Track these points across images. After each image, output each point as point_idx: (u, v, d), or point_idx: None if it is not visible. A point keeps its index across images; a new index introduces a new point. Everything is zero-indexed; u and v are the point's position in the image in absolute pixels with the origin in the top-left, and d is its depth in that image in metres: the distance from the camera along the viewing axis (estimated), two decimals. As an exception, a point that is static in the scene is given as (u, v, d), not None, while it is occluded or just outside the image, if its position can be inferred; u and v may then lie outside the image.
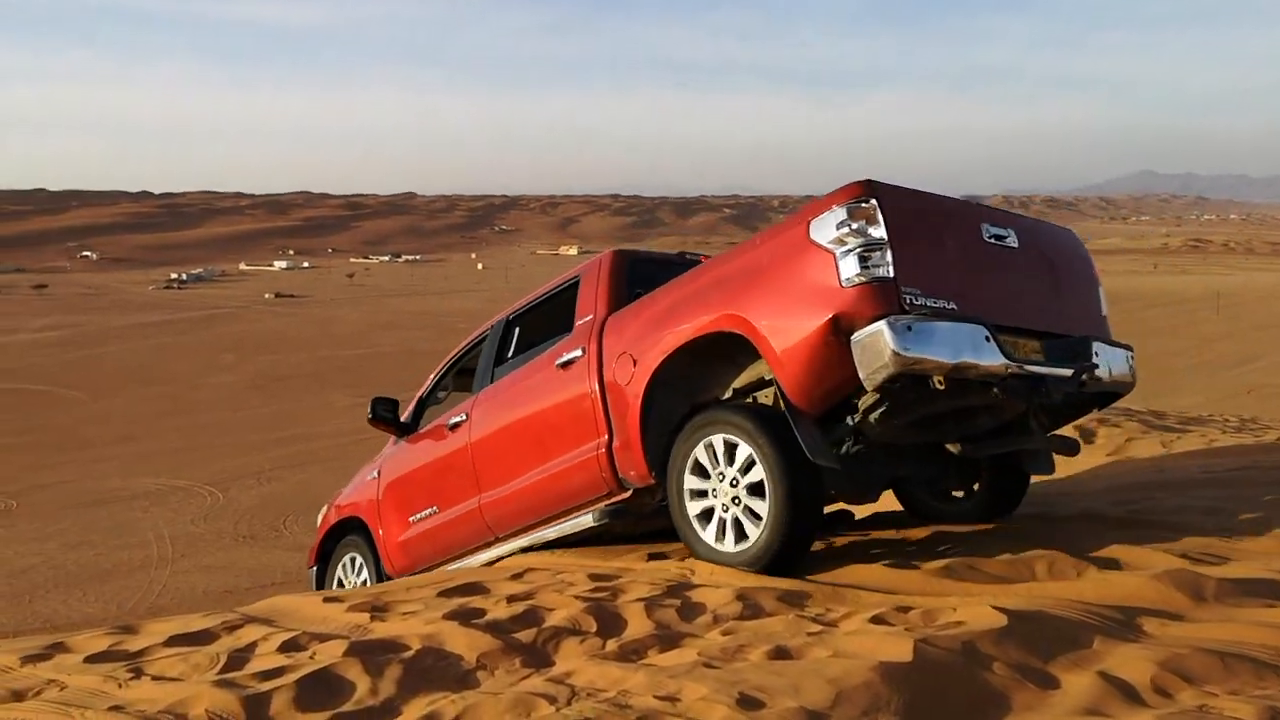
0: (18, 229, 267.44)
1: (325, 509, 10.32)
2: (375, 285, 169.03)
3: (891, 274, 5.28)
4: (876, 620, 5.17)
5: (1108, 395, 6.36)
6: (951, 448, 6.49)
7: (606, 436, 6.56)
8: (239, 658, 5.54)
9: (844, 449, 5.82)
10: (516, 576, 7.11)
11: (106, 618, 30.92)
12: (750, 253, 5.91)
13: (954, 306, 5.45)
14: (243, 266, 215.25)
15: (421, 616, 6.08)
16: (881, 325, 5.14)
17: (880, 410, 5.57)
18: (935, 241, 5.65)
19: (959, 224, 5.84)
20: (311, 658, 5.33)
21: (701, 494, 6.02)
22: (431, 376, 9.19)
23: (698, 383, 6.30)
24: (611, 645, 5.24)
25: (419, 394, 9.16)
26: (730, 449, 5.77)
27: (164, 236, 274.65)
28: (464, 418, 7.96)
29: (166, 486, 45.76)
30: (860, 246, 5.30)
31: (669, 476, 6.15)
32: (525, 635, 5.45)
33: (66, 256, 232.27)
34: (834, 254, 5.36)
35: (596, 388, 6.59)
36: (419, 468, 8.55)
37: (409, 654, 5.22)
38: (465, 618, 5.87)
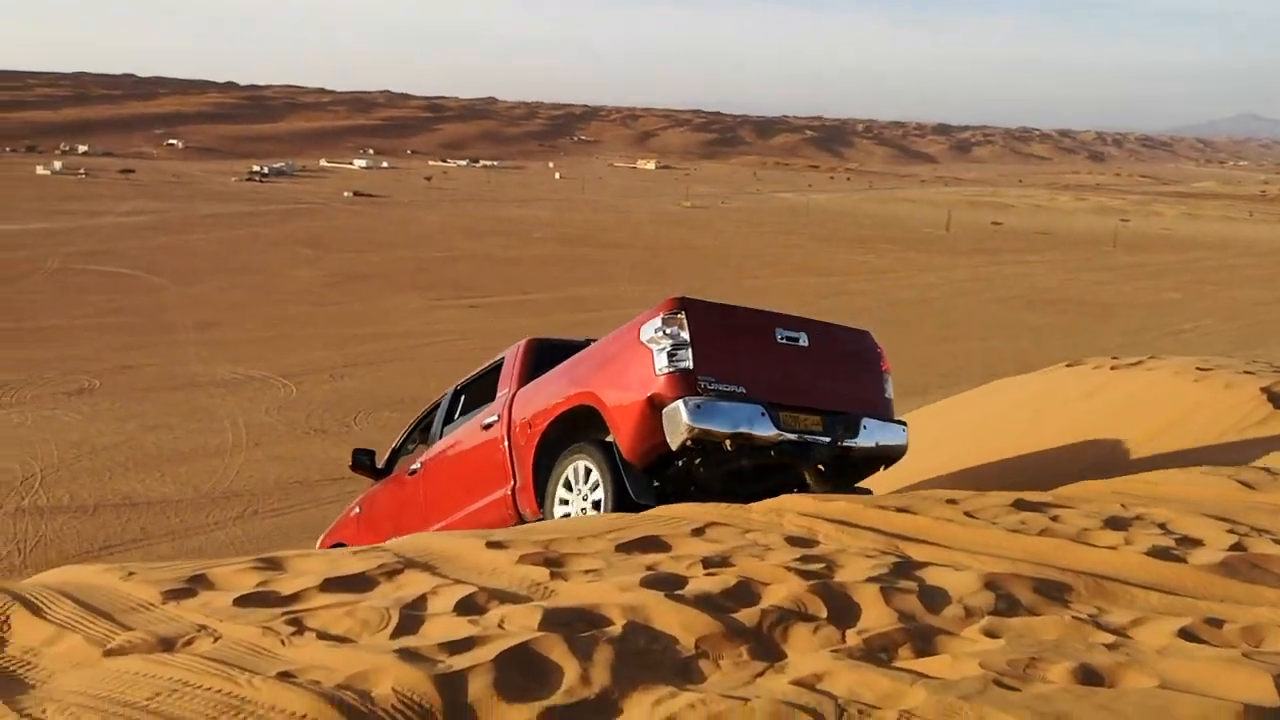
0: (108, 113, 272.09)
1: (320, 539, 12.39)
2: (453, 189, 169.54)
3: (691, 366, 7.23)
4: (1188, 635, 4.49)
5: (882, 458, 8.01)
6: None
7: (513, 481, 8.48)
8: (412, 617, 4.89)
9: (670, 488, 7.59)
10: (698, 532, 6.39)
11: (183, 499, 31.95)
12: (604, 347, 7.98)
13: (743, 390, 7.33)
14: (323, 163, 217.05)
15: (610, 580, 5.38)
16: (679, 403, 7.09)
17: (698, 462, 7.45)
18: (731, 342, 7.60)
19: (754, 329, 7.82)
20: (501, 626, 4.67)
21: (565, 502, 7.88)
22: (402, 432, 11.26)
23: (570, 432, 8.08)
24: (853, 638, 4.55)
25: (392, 446, 11.15)
26: (588, 472, 7.69)
27: (247, 128, 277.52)
28: (419, 466, 9.97)
29: (243, 375, 46.82)
30: (670, 346, 7.25)
31: (546, 492, 8.04)
32: (745, 616, 4.74)
33: (153, 143, 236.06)
34: (652, 351, 7.32)
35: (506, 445, 8.56)
36: (387, 505, 10.53)
37: (614, 631, 4.53)
38: (666, 586, 5.15)
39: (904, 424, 8.09)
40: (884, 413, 8.06)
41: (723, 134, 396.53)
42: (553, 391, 8.20)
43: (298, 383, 46.04)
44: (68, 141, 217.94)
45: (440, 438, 9.85)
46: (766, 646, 4.52)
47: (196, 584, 5.54)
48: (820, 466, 7.96)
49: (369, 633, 4.69)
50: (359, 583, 5.51)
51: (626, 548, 6.06)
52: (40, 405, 40.93)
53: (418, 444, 10.67)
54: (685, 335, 7.29)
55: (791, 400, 7.54)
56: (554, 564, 5.74)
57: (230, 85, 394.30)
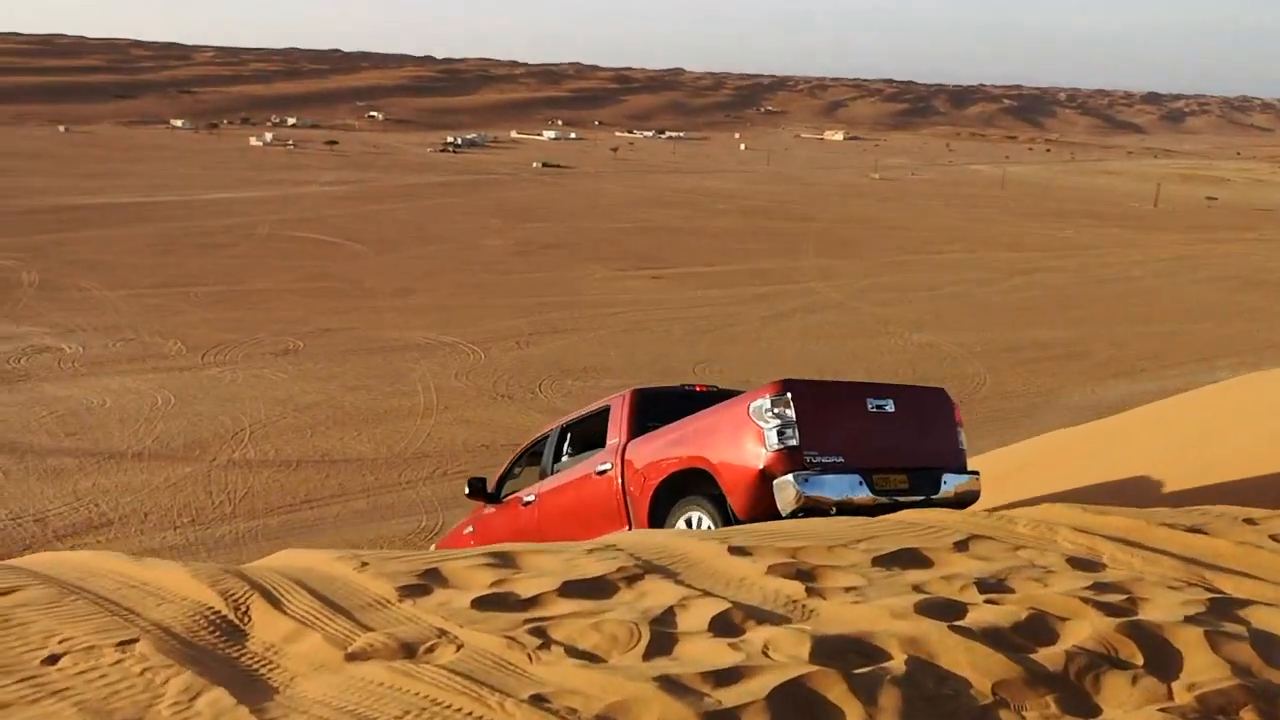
0: (316, 86, 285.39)
1: (432, 548, 12.91)
2: (638, 160, 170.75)
3: (798, 443, 8.02)
4: None
5: (960, 502, 8.68)
6: None
7: (627, 526, 9.19)
8: (663, 634, 4.50)
9: None
10: (960, 546, 5.94)
11: (377, 458, 33.34)
12: (710, 417, 8.70)
13: (841, 460, 8.13)
14: (513, 134, 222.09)
15: (877, 602, 4.90)
16: (789, 477, 7.90)
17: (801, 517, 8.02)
18: (830, 416, 8.38)
19: (849, 401, 8.66)
20: (766, 654, 4.23)
21: None
22: (509, 460, 12.19)
23: (679, 489, 8.89)
24: (1183, 694, 3.96)
25: (500, 473, 11.94)
26: (699, 521, 8.45)
27: (443, 100, 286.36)
28: (534, 498, 10.72)
29: (435, 341, 48.45)
30: (779, 425, 8.03)
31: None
32: (1046, 659, 4.19)
33: (356, 115, 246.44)
34: (763, 428, 8.10)
35: (620, 493, 9.37)
36: (501, 530, 11.09)
37: (896, 668, 4.03)
38: (945, 615, 4.63)
39: (977, 473, 9.13)
40: (960, 464, 9.07)
41: (915, 104, 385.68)
42: (666, 450, 9.05)
43: (486, 349, 47.33)
44: (278, 114, 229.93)
45: (551, 474, 10.71)
46: (1077, 698, 3.98)
47: (431, 580, 5.40)
48: None
49: (619, 650, 4.39)
50: (599, 588, 5.26)
51: (884, 561, 5.64)
52: (250, 364, 43.41)
53: (524, 469, 11.59)
54: (791, 414, 8.13)
55: (883, 463, 8.48)
56: (807, 577, 5.34)
57: (427, 59, 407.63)
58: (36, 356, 43.08)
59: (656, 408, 9.77)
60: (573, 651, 4.36)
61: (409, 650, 4.42)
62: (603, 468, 9.58)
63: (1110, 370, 48.25)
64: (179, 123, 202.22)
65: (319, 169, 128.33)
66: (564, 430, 10.89)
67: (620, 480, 9.34)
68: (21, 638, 4.64)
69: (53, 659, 4.40)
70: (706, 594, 5.03)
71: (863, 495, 8.08)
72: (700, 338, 51.51)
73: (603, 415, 10.10)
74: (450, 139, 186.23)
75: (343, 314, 53.22)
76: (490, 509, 11.70)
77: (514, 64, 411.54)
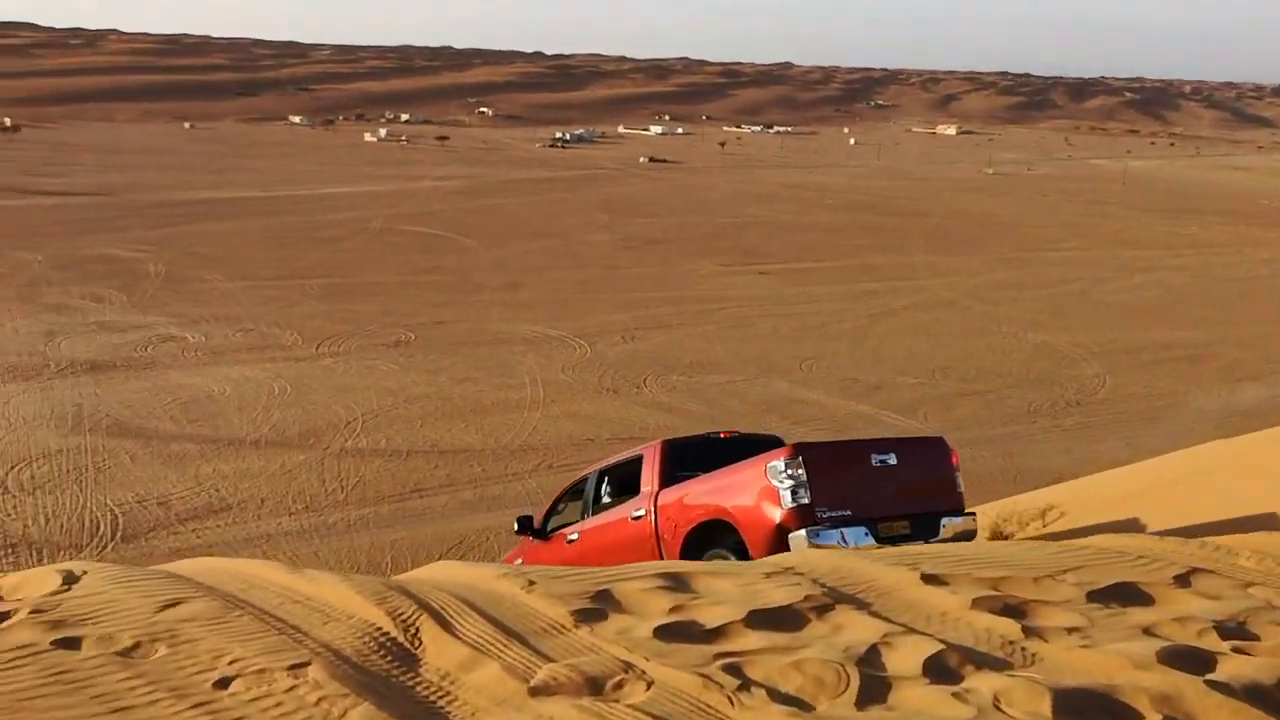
0: (428, 83, 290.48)
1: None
2: (746, 155, 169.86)
3: (809, 501, 8.90)
4: None
5: (959, 539, 9.32)
6: None
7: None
8: (875, 680, 4.16)
9: None
10: (1181, 580, 5.45)
11: (485, 449, 33.74)
12: (733, 475, 9.61)
13: (849, 513, 8.98)
14: (621, 129, 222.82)
15: (1109, 647, 4.47)
16: (802, 532, 8.75)
17: None
18: (839, 474, 9.23)
19: (855, 459, 9.61)
20: (999, 707, 3.88)
21: None
22: (554, 497, 13.13)
23: (707, 538, 9.70)
24: None
25: (546, 509, 12.92)
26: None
27: (552, 96, 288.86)
28: (576, 536, 11.58)
29: (542, 334, 48.88)
30: (793, 485, 8.91)
31: None
32: None
33: (466, 111, 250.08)
34: (778, 489, 8.99)
35: (654, 537, 10.26)
36: (547, 563, 11.63)
37: None
38: (1193, 665, 4.23)
39: (973, 514, 10.12)
40: (957, 506, 9.94)
41: (1031, 97, 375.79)
42: (694, 502, 10.01)
43: (592, 343, 47.56)
44: (392, 110, 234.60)
45: (591, 514, 11.64)
46: None
47: (605, 603, 5.18)
48: None
49: (826, 696, 4.05)
50: (787, 619, 4.95)
51: (1100, 597, 5.22)
52: (363, 355, 44.37)
53: (566, 506, 12.43)
54: (803, 474, 9.02)
55: (887, 513, 9.36)
56: (1018, 614, 4.92)
57: (537, 55, 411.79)
58: (162, 345, 44.69)
59: (685, 457, 10.86)
60: (776, 695, 4.07)
61: (595, 686, 4.19)
62: (638, 514, 10.62)
63: (1237, 373, 46.29)
64: (297, 119, 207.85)
65: (430, 164, 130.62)
66: (601, 474, 11.87)
67: (654, 526, 10.35)
68: (191, 656, 4.56)
69: (224, 682, 4.30)
70: (910, 630, 4.70)
71: (868, 544, 8.81)
72: (806, 334, 50.97)
73: (636, 463, 11.12)
74: (559, 134, 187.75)
75: (452, 307, 54.03)
76: (536, 543, 12.54)
77: (622, 59, 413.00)
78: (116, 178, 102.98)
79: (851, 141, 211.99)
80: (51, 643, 4.71)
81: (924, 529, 9.29)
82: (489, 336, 48.27)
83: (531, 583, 5.38)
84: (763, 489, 9.12)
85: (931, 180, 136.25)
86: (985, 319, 55.39)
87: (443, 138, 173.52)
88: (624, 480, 11.33)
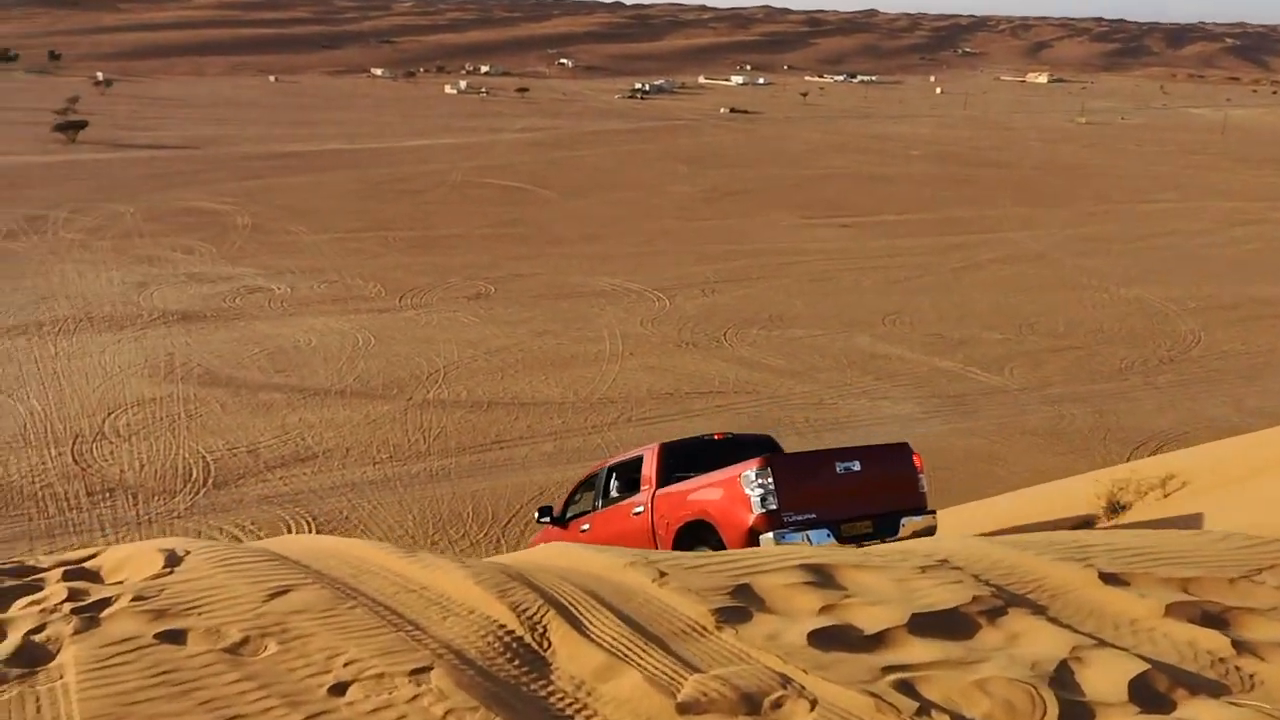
0: (507, 35, 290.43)
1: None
2: (828, 105, 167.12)
3: (777, 506, 9.88)
4: None
5: (918, 536, 10.14)
6: None
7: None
8: (1076, 706, 3.66)
9: None
10: None
11: (564, 401, 33.84)
12: (714, 481, 10.62)
13: (814, 516, 10.00)
14: (701, 80, 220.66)
15: None
16: (770, 533, 9.80)
17: None
18: (805, 481, 10.22)
19: (821, 468, 10.54)
20: None
21: None
22: (571, 488, 14.14)
23: (694, 535, 10.72)
24: None
25: (564, 499, 13.96)
26: None
27: (631, 47, 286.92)
28: (589, 526, 12.67)
29: (620, 288, 48.78)
30: (762, 493, 9.91)
31: None
32: None
33: (545, 63, 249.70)
34: (750, 496, 9.99)
35: (651, 531, 11.42)
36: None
37: None
38: None
39: (933, 511, 10.98)
40: (918, 505, 10.83)
41: (1126, 44, 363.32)
42: (683, 504, 11.10)
43: (671, 296, 47.34)
44: (472, 62, 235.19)
45: (601, 506, 12.79)
46: None
47: (746, 600, 4.74)
48: None
49: None
50: (957, 625, 4.44)
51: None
52: (444, 307, 44.73)
53: (582, 496, 13.53)
54: (771, 483, 10.05)
55: (850, 514, 10.35)
56: (1220, 624, 4.34)
57: (617, 5, 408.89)
58: (249, 296, 45.53)
59: (681, 458, 11.97)
60: None
61: (751, 703, 3.71)
62: (638, 510, 11.82)
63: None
64: (379, 72, 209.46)
65: (510, 116, 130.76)
66: (610, 470, 13.04)
67: (650, 521, 11.56)
68: (303, 656, 4.28)
69: (340, 688, 3.99)
70: (1101, 642, 4.12)
71: (830, 544, 9.79)
72: (890, 288, 50.15)
73: (639, 462, 12.25)
74: (638, 85, 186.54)
75: (531, 259, 54.15)
76: (556, 530, 13.64)
77: (702, 9, 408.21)
78: (204, 131, 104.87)
79: (937, 91, 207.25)
80: (155, 635, 4.54)
81: (885, 528, 10.40)
82: (568, 289, 48.31)
83: (663, 574, 5.01)
84: (738, 495, 10.26)
85: (1020, 130, 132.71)
86: (1075, 273, 53.94)
87: (522, 89, 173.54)
88: (629, 477, 12.52)
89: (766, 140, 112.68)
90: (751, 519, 10.00)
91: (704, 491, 10.78)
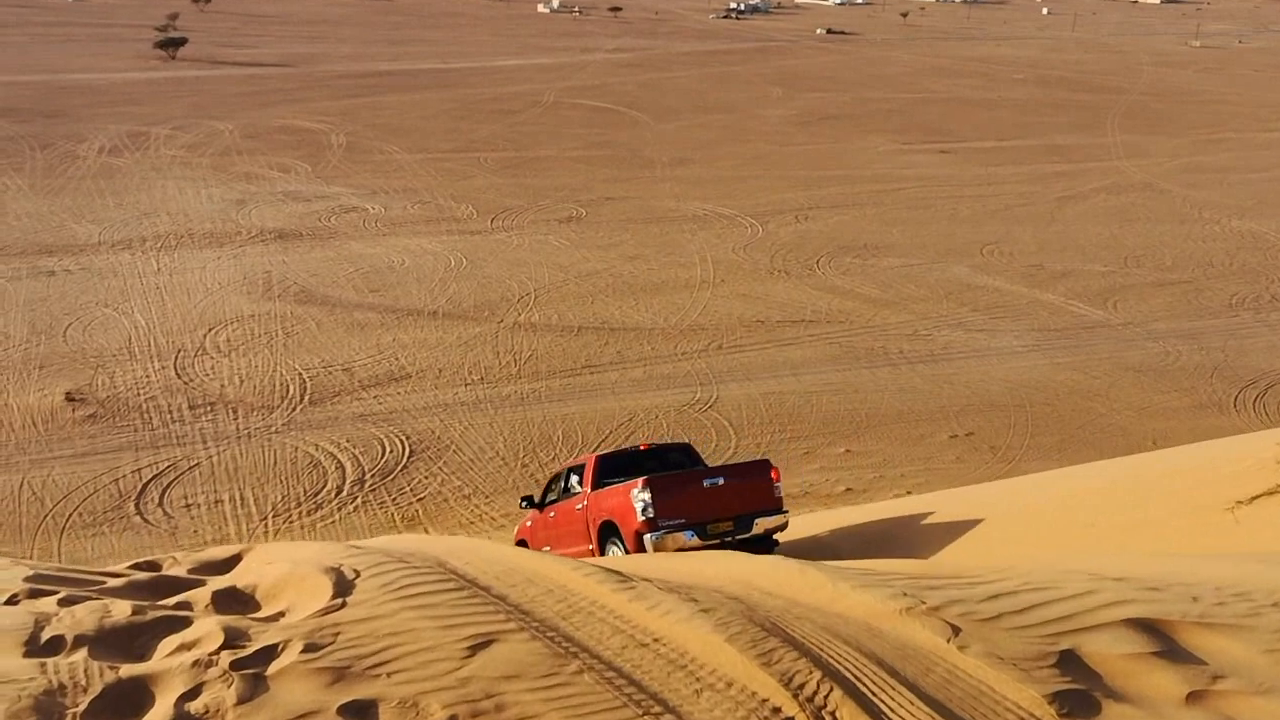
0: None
1: (517, 529, 17.92)
2: (930, 26, 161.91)
3: (653, 515, 12.92)
4: None
5: (768, 535, 13.69)
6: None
7: (590, 544, 14.28)
8: None
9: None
10: None
11: (654, 327, 33.70)
12: (618, 492, 13.61)
13: (683, 520, 13.02)
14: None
15: None
16: (648, 535, 12.91)
17: (670, 554, 12.17)
18: (676, 494, 13.21)
19: (690, 483, 13.52)
20: None
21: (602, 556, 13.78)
22: (548, 481, 16.91)
23: (608, 530, 13.87)
24: None
25: (543, 489, 16.74)
26: (616, 551, 13.64)
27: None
28: (554, 514, 15.63)
29: (712, 213, 48.19)
30: (643, 505, 12.97)
31: (605, 554, 13.86)
32: None
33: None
34: (636, 507, 13.04)
35: (586, 523, 14.34)
36: (540, 530, 16.18)
37: None
38: None
39: (786, 511, 14.04)
40: (772, 508, 13.78)
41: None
42: (601, 505, 14.09)
43: (763, 222, 46.66)
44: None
45: (563, 498, 15.54)
46: None
47: (1080, 676, 3.92)
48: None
49: None
50: None
51: None
52: (535, 230, 44.71)
53: (554, 488, 16.09)
54: (649, 498, 13.03)
55: (713, 516, 13.32)
56: None
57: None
58: (344, 215, 46.00)
59: (612, 466, 14.91)
60: None
61: None
62: (579, 506, 14.74)
63: None
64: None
65: (603, 36, 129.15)
66: (569, 471, 15.84)
67: (586, 516, 14.43)
68: None
69: None
70: None
71: (693, 541, 13.08)
72: (989, 218, 48.75)
73: (582, 468, 15.15)
74: (733, 4, 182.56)
75: (622, 182, 53.73)
76: (536, 514, 16.44)
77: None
78: (301, 49, 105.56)
79: (1044, 11, 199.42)
80: (340, 711, 3.84)
81: (742, 526, 13.43)
82: (659, 214, 47.88)
83: (955, 630, 4.14)
84: (629, 505, 13.29)
85: (1131, 53, 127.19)
86: (1185, 204, 51.82)
87: (615, 9, 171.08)
88: (575, 479, 15.52)
89: (864, 62, 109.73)
90: (636, 524, 13.14)
91: (613, 499, 13.77)
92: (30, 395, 27.84)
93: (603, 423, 27.03)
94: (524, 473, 24.59)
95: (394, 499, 23.57)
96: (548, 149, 61.61)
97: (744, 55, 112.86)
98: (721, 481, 13.56)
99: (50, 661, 4.68)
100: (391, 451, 25.58)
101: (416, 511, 23.15)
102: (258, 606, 5.19)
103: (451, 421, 27.12)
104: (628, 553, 13.17)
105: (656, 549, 12.85)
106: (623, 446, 17.86)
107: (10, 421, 26.47)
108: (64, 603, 5.64)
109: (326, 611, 4.74)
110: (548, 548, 14.98)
